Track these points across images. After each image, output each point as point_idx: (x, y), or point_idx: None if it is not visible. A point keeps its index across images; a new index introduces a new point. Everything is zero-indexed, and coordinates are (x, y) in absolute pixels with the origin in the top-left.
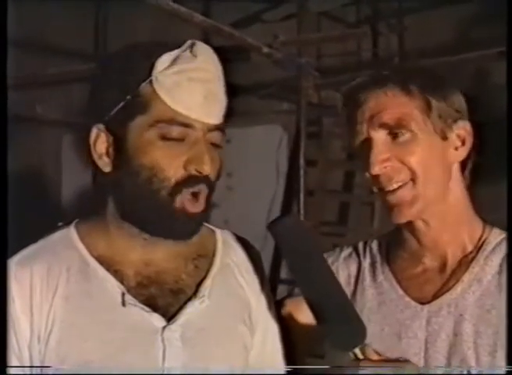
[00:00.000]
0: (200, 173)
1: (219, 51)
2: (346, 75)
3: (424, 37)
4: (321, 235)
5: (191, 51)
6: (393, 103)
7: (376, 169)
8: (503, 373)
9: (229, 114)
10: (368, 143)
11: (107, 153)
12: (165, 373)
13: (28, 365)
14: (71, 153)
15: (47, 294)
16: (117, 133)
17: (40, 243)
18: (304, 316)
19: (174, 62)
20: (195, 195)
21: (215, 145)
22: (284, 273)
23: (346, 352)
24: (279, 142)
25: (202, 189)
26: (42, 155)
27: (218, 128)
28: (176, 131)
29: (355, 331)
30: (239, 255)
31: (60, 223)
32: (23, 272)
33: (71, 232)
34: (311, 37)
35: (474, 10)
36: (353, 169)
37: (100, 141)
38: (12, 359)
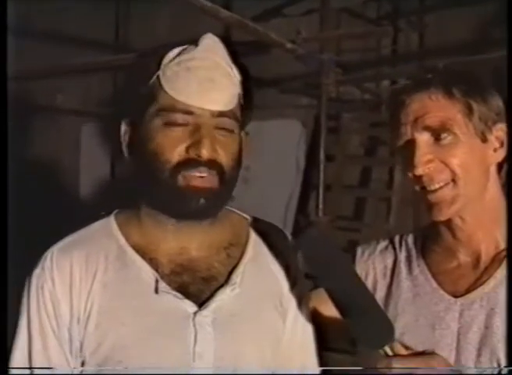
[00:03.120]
0: (199, 156)
1: (240, 45)
2: (366, 71)
3: (444, 36)
4: (337, 230)
5: (199, 45)
6: (437, 106)
7: (420, 170)
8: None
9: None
10: (411, 144)
11: (129, 143)
12: (196, 358)
13: (68, 346)
14: (90, 143)
15: (86, 280)
16: (135, 124)
17: (81, 232)
18: (331, 310)
19: (178, 55)
20: (202, 177)
21: (224, 130)
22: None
23: (376, 350)
24: (298, 137)
25: (205, 171)
26: (61, 144)
27: (225, 114)
28: (177, 118)
29: (383, 331)
30: (269, 242)
31: (102, 213)
32: (63, 258)
33: (111, 222)
34: (333, 34)
35: (495, 9)
36: (370, 165)
37: (125, 133)
38: (51, 340)
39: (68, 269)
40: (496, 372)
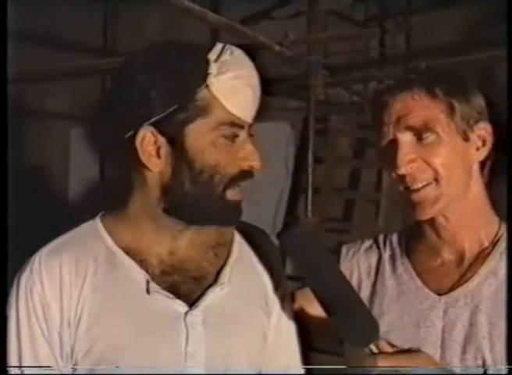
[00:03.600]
0: (252, 168)
1: None
2: (354, 73)
3: (431, 37)
4: (326, 231)
5: (234, 57)
6: (419, 106)
7: (402, 170)
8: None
9: None
10: (394, 144)
11: (157, 154)
12: (188, 357)
13: (58, 349)
14: (79, 146)
15: (76, 283)
16: (171, 135)
17: (68, 234)
18: (317, 309)
19: (225, 67)
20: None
21: (251, 136)
22: (290, 270)
23: (362, 348)
24: (287, 139)
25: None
26: (50, 148)
27: (251, 124)
28: (233, 132)
29: (368, 329)
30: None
31: (87, 216)
32: (52, 261)
33: (97, 223)
34: (321, 36)
35: (481, 10)
36: (359, 167)
37: (148, 142)
38: (41, 344)
39: (57, 272)
40: (481, 371)
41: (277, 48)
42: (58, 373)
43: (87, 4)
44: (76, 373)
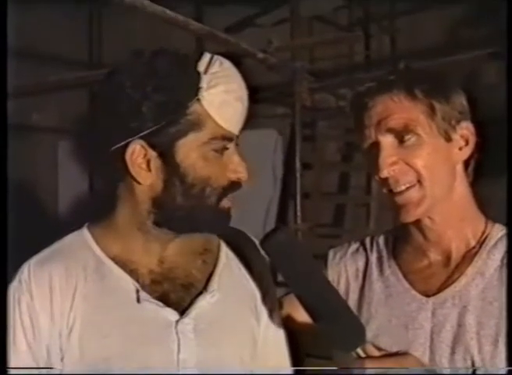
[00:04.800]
0: (240, 179)
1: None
2: (340, 78)
3: (415, 39)
4: (317, 237)
5: (224, 69)
6: (399, 108)
7: (384, 173)
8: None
9: None
10: (375, 147)
11: (147, 167)
12: (181, 364)
13: (43, 361)
14: (67, 159)
15: (67, 293)
16: (162, 149)
17: (56, 245)
18: (304, 315)
19: (215, 80)
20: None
21: (237, 146)
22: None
23: (349, 353)
24: (274, 146)
25: None
26: (38, 162)
27: (237, 135)
28: (223, 145)
29: (355, 334)
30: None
31: (72, 228)
32: (41, 271)
33: (84, 234)
34: (304, 42)
35: (465, 12)
36: (348, 171)
37: (138, 155)
38: (25, 357)
39: (47, 282)
40: (470, 372)
41: (260, 55)
42: (59, 373)
43: (72, 17)
44: (75, 373)
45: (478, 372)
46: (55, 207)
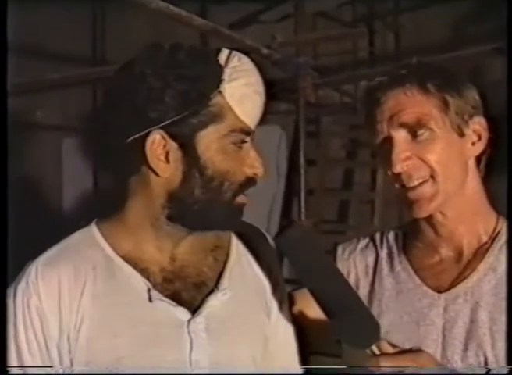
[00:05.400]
0: (256, 175)
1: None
2: (344, 74)
3: (419, 35)
4: (321, 233)
5: (243, 63)
6: (412, 103)
7: (398, 168)
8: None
9: None
10: (388, 142)
11: (166, 159)
12: (193, 365)
13: (58, 363)
14: (71, 156)
15: (75, 293)
16: (183, 140)
17: (63, 243)
18: (316, 311)
19: (235, 73)
20: None
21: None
22: (287, 273)
23: (363, 350)
24: (278, 143)
25: None
26: (43, 159)
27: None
28: (242, 139)
29: (370, 331)
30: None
31: (82, 222)
32: (49, 271)
33: (93, 231)
34: (308, 37)
35: (468, 7)
36: (352, 167)
37: (158, 146)
38: (38, 359)
39: (55, 283)
40: (484, 371)
41: (265, 50)
42: (59, 373)
43: (76, 14)
44: (79, 373)
45: (492, 371)
46: (60, 204)
